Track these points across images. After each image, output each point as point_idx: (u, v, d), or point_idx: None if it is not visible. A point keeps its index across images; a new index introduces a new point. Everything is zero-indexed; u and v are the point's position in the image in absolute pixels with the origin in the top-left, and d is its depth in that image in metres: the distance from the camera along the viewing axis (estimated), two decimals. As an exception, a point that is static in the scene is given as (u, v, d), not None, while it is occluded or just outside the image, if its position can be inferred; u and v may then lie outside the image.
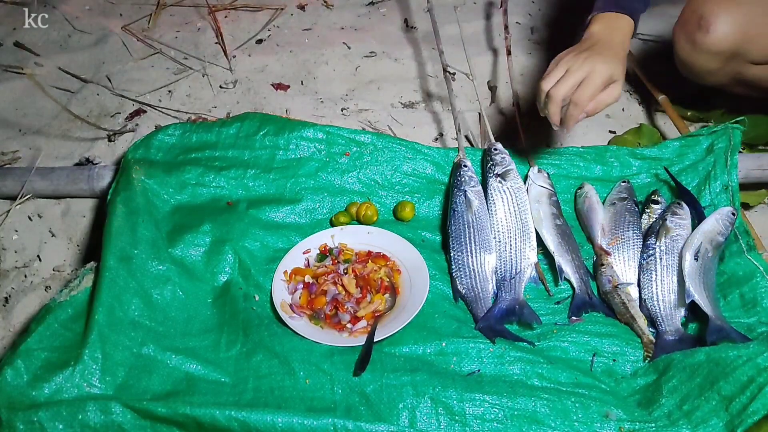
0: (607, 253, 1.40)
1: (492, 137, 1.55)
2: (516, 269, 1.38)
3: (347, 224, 1.50)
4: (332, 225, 1.50)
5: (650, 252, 1.38)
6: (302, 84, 1.91)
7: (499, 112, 1.82)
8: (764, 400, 1.05)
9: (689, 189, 1.47)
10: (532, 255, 1.40)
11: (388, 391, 1.14)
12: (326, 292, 1.34)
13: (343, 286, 1.35)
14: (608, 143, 1.69)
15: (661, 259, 1.36)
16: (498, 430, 1.11)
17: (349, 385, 1.16)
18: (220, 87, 1.90)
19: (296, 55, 1.98)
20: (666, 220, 1.39)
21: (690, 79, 1.60)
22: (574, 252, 1.41)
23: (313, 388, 1.16)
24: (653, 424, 1.10)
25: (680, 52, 1.54)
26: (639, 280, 1.37)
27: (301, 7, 2.14)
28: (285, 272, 1.39)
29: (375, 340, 1.24)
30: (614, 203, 1.47)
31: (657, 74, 1.82)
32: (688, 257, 1.31)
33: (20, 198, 1.60)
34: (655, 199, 1.48)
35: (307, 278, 1.37)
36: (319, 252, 1.44)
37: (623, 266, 1.39)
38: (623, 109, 1.83)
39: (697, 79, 1.58)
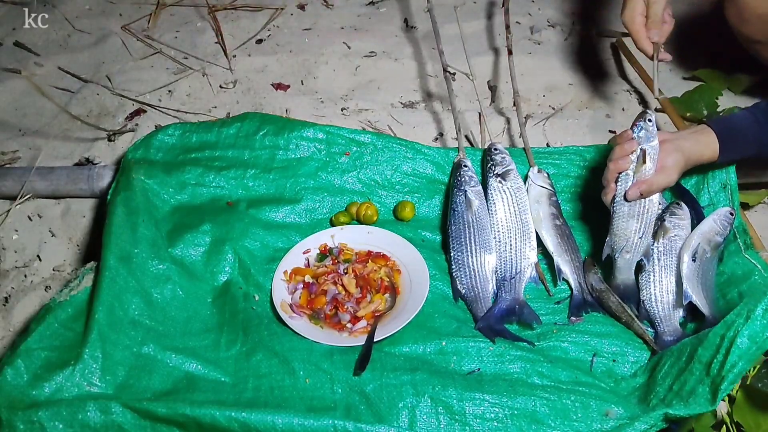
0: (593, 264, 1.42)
1: (492, 137, 1.55)
2: (516, 269, 1.39)
3: (347, 224, 1.50)
4: (332, 225, 1.50)
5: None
6: (302, 84, 1.91)
7: (499, 112, 1.82)
8: (738, 352, 1.06)
9: (687, 188, 1.47)
10: (532, 255, 1.40)
11: (388, 391, 1.15)
12: (326, 292, 1.34)
13: (343, 285, 1.35)
14: (608, 143, 1.69)
15: (659, 259, 1.36)
16: (498, 429, 1.11)
17: (349, 384, 1.16)
18: (220, 87, 1.90)
19: (296, 55, 1.98)
20: (664, 220, 1.39)
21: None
22: (573, 252, 1.41)
23: (313, 387, 1.16)
24: (651, 414, 1.10)
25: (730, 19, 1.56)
26: (637, 280, 1.37)
27: (301, 7, 2.14)
28: (285, 272, 1.39)
29: (375, 340, 1.24)
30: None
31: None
32: (686, 258, 1.31)
33: (20, 198, 1.60)
34: (656, 199, 1.48)
35: (307, 278, 1.38)
36: (319, 252, 1.44)
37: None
38: (623, 109, 1.83)
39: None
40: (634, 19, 1.42)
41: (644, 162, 1.28)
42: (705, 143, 1.34)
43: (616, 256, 1.34)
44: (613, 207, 1.32)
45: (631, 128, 1.31)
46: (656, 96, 1.36)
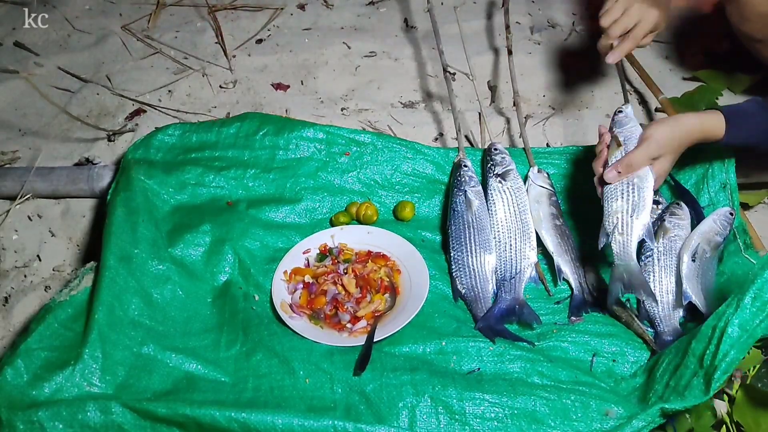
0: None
1: (492, 137, 1.55)
2: (516, 269, 1.39)
3: (347, 224, 1.50)
4: (332, 225, 1.50)
5: (648, 253, 1.38)
6: (302, 84, 1.91)
7: (499, 112, 1.82)
8: (730, 341, 1.07)
9: (687, 188, 1.47)
10: (531, 255, 1.40)
11: (388, 391, 1.15)
12: (326, 292, 1.34)
13: (343, 286, 1.35)
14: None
15: (659, 260, 1.36)
16: (498, 429, 1.11)
17: (349, 384, 1.16)
18: (220, 87, 1.90)
19: (296, 55, 1.98)
20: (664, 220, 1.39)
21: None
22: (573, 252, 1.42)
23: (313, 387, 1.16)
24: (648, 410, 1.10)
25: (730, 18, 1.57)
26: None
27: (301, 7, 2.14)
28: (285, 272, 1.39)
29: (375, 340, 1.24)
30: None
31: (657, 74, 1.82)
32: (686, 258, 1.31)
33: (20, 198, 1.60)
34: (656, 199, 1.47)
35: (307, 278, 1.38)
36: (319, 252, 1.44)
37: None
38: (623, 109, 1.83)
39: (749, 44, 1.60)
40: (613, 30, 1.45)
41: (618, 145, 1.29)
42: (709, 116, 1.31)
43: (610, 240, 1.28)
44: (603, 195, 1.30)
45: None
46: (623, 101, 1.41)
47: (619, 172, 1.27)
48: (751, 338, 1.07)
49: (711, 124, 1.30)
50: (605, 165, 1.30)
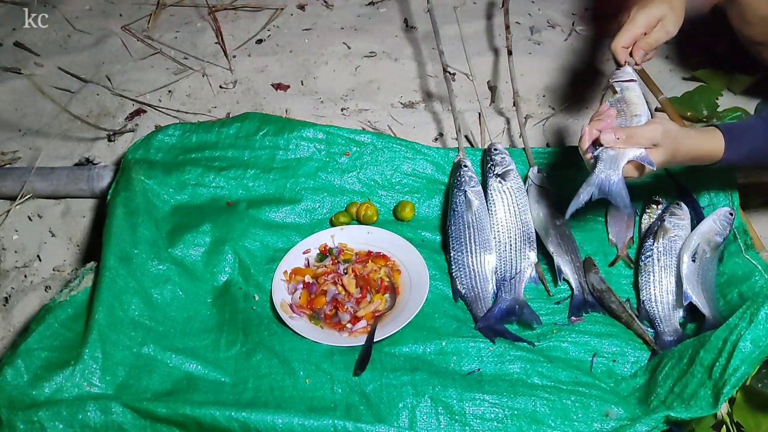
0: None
1: (492, 137, 1.55)
2: (516, 269, 1.39)
3: (347, 224, 1.50)
4: (332, 225, 1.50)
5: (648, 253, 1.38)
6: (302, 84, 1.91)
7: (499, 112, 1.82)
8: (741, 356, 1.07)
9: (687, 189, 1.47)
10: (532, 255, 1.40)
11: (388, 391, 1.15)
12: (326, 292, 1.34)
13: (343, 286, 1.35)
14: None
15: (659, 260, 1.36)
16: (498, 430, 1.11)
17: (349, 384, 1.16)
18: (220, 87, 1.90)
19: (296, 55, 1.98)
20: (664, 220, 1.39)
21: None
22: (573, 252, 1.41)
23: (313, 387, 1.16)
24: (652, 416, 1.10)
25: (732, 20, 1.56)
26: (637, 281, 1.38)
27: (301, 7, 2.14)
28: (285, 272, 1.39)
29: (375, 340, 1.24)
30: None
31: (657, 74, 1.82)
32: (686, 259, 1.31)
33: (20, 198, 1.60)
34: (656, 199, 1.48)
35: (307, 278, 1.38)
36: (319, 252, 1.44)
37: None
38: (623, 109, 1.83)
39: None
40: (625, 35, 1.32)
41: (614, 93, 1.26)
42: (708, 134, 1.26)
43: (599, 152, 1.18)
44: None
45: None
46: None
47: (618, 138, 1.17)
48: (762, 353, 1.07)
49: (711, 144, 1.25)
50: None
